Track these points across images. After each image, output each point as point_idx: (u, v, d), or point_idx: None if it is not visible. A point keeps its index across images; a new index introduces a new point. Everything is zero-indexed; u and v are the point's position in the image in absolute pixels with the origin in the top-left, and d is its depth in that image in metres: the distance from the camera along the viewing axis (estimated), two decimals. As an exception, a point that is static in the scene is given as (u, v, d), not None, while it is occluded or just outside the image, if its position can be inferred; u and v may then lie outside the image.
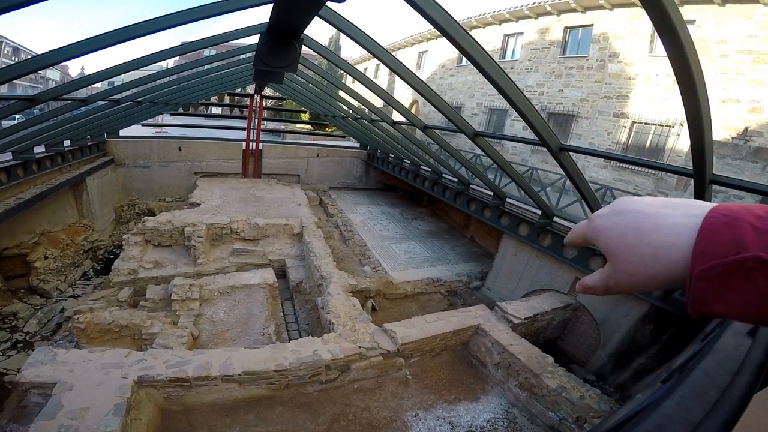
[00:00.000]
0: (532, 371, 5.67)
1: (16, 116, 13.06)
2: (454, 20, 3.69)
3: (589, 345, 7.62)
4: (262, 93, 15.46)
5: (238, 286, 8.15)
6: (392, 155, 14.92)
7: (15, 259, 9.19)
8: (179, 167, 14.80)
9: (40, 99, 6.01)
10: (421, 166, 12.96)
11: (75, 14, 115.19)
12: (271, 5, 3.68)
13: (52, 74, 40.87)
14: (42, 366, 4.56)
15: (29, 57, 5.57)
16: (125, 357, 4.91)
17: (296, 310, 8.65)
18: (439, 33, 3.83)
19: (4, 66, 4.85)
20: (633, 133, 12.69)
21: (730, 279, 0.43)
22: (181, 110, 17.29)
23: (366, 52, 5.43)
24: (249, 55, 7.88)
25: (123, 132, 14.35)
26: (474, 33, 17.34)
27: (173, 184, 14.83)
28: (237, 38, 5.86)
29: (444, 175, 11.76)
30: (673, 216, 0.51)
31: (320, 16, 4.47)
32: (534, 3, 15.24)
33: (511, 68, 16.62)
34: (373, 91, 7.32)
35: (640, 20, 12.06)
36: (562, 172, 5.93)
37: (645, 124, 12.27)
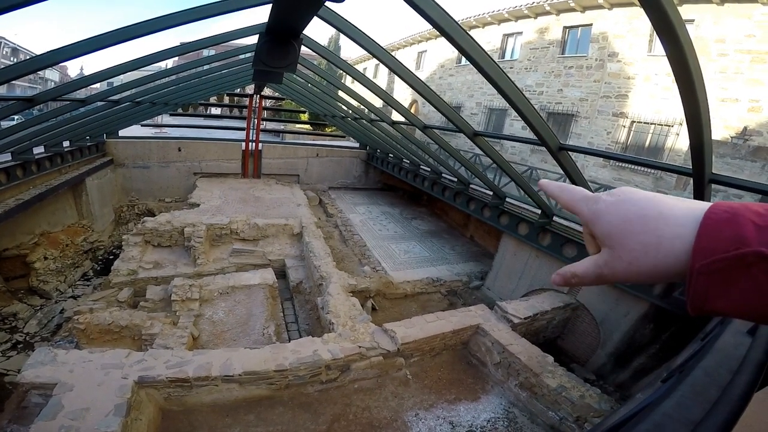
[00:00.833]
0: (532, 371, 5.68)
1: (15, 117, 13.05)
2: (453, 20, 3.69)
3: (589, 344, 7.63)
4: (262, 93, 15.45)
5: (237, 287, 8.15)
6: (392, 155, 14.92)
7: (15, 260, 9.18)
8: (179, 168, 14.79)
9: (39, 99, 6.01)
10: (421, 166, 12.97)
11: (73, 14, 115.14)
12: (270, 5, 3.68)
13: (51, 75, 40.81)
14: (42, 367, 4.56)
15: (28, 57, 5.56)
16: (125, 357, 4.91)
17: (296, 311, 8.65)
18: (438, 33, 3.84)
19: (3, 66, 4.84)
20: (632, 132, 12.69)
21: (731, 275, 0.43)
22: (180, 111, 17.29)
23: (365, 52, 5.43)
24: (248, 55, 7.88)
25: (122, 132, 14.33)
26: (473, 33, 17.32)
27: (173, 185, 14.82)
28: (236, 38, 5.85)
29: (443, 174, 11.76)
30: (676, 207, 0.51)
31: (319, 16, 4.46)
32: (533, 2, 15.24)
33: (511, 68, 16.62)
34: (372, 91, 7.32)
35: (639, 20, 12.06)
36: (562, 172, 5.93)
37: (644, 123, 12.28)
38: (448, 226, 14.61)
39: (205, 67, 9.02)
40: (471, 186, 10.52)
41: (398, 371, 5.96)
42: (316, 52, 6.24)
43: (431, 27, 3.72)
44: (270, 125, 22.87)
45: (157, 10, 6.81)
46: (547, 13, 15.14)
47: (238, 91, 18.14)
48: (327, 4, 3.67)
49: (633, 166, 12.30)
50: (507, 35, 17.45)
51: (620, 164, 12.68)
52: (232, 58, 8.34)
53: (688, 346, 3.63)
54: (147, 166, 14.34)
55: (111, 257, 11.15)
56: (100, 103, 8.80)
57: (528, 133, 6.13)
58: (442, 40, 4.29)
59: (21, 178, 8.98)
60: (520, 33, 16.67)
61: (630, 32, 12.57)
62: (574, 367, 7.31)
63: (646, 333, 6.73)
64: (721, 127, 10.07)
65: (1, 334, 7.88)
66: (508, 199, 9.29)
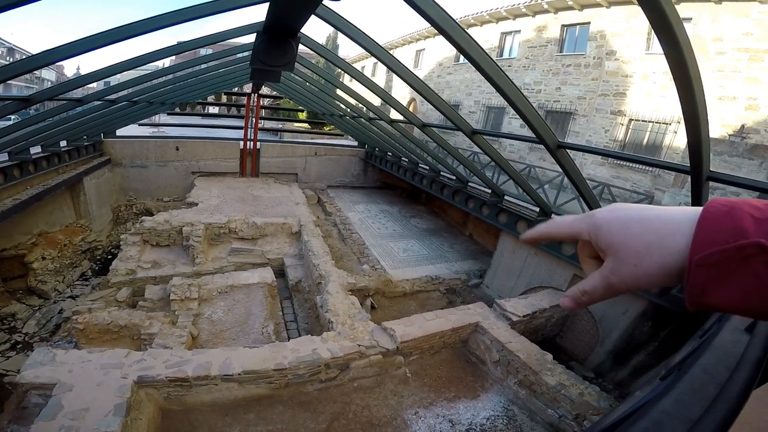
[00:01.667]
0: (532, 368, 5.69)
1: (12, 117, 13.00)
2: (452, 18, 3.68)
3: (587, 342, 7.65)
4: (259, 92, 15.42)
5: (236, 286, 8.14)
6: (390, 153, 14.92)
7: (13, 260, 9.15)
8: (177, 167, 14.76)
9: (36, 99, 5.98)
10: (419, 164, 12.96)
11: (67, 14, 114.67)
12: (268, 4, 3.66)
13: (48, 74, 40.62)
14: (41, 367, 4.55)
15: (24, 57, 5.53)
16: (125, 357, 4.90)
17: (295, 309, 8.65)
18: (436, 31, 3.83)
19: (-1, 66, 4.81)
20: (630, 130, 12.72)
21: (730, 267, 0.43)
22: (178, 110, 17.22)
23: (363, 50, 5.42)
24: (245, 54, 7.85)
25: (120, 132, 14.28)
26: (471, 31, 17.30)
27: (171, 184, 14.79)
28: (233, 37, 5.84)
29: (442, 173, 11.76)
30: (672, 209, 0.53)
31: (317, 15, 4.45)
32: (531, 1, 15.24)
33: (509, 66, 16.63)
34: (370, 90, 7.31)
35: (637, 18, 12.07)
36: (560, 170, 5.94)
37: (642, 121, 12.31)
38: (446, 224, 14.62)
39: (202, 66, 8.99)
40: (469, 184, 10.53)
41: (397, 369, 5.97)
42: (314, 51, 6.23)
43: (429, 25, 3.72)
44: (268, 124, 22.84)
45: (151, 11, 6.78)
46: (546, 11, 15.14)
47: (235, 90, 18.09)
48: (325, 2, 3.66)
49: (631, 164, 12.34)
50: (505, 33, 17.46)
51: (618, 162, 12.70)
52: (229, 57, 8.31)
53: (687, 344, 3.64)
54: (145, 165, 14.30)
55: (109, 257, 11.13)
56: (96, 103, 8.77)
57: (526, 132, 6.13)
58: (441, 38, 4.28)
59: (18, 178, 8.94)
60: (519, 31, 16.68)
61: (628, 30, 12.59)
62: (573, 365, 7.33)
63: (644, 331, 6.76)
64: (719, 125, 10.10)
65: (0, 334, 7.87)
66: (506, 197, 9.30)
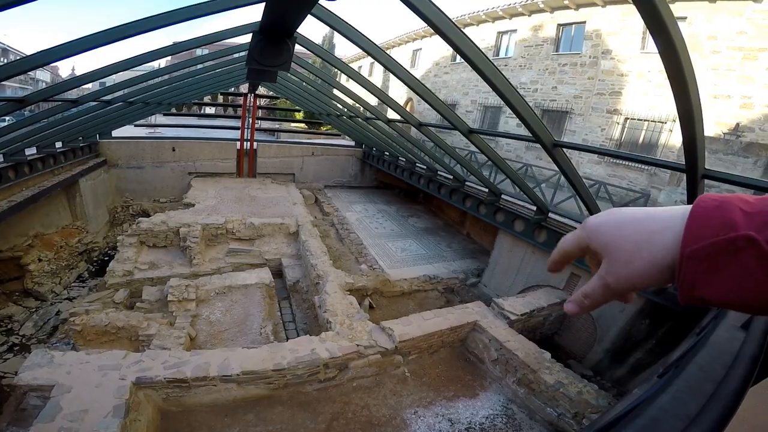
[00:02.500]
0: (530, 367, 5.71)
1: (6, 118, 12.91)
2: (448, 18, 3.69)
3: (585, 340, 7.69)
4: (256, 92, 15.38)
5: (234, 286, 8.12)
6: (387, 153, 14.92)
7: (8, 262, 9.09)
8: (173, 167, 14.70)
9: (31, 100, 5.95)
10: (417, 164, 12.98)
11: (61, 15, 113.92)
12: (264, 4, 3.66)
13: (43, 75, 40.34)
14: (39, 368, 4.53)
15: (18, 58, 5.50)
16: (123, 358, 4.88)
17: (293, 310, 8.64)
18: (433, 31, 3.84)
19: (-6, 67, 4.78)
20: (626, 129, 12.79)
21: (720, 260, 0.44)
22: (174, 110, 17.16)
23: (360, 50, 5.42)
24: (242, 54, 7.83)
25: (115, 133, 14.21)
26: (467, 30, 17.30)
27: (167, 185, 14.72)
28: (229, 37, 5.83)
29: (439, 172, 11.78)
30: (665, 209, 0.54)
31: (313, 15, 4.45)
32: (527, 0, 15.27)
33: (505, 65, 16.65)
34: (367, 89, 7.31)
35: (632, 17, 12.12)
36: (557, 169, 5.97)
37: (638, 120, 12.37)
38: (444, 223, 14.63)
39: (198, 67, 8.97)
40: (467, 183, 10.55)
41: (396, 369, 5.98)
42: (311, 51, 6.22)
43: (426, 25, 3.72)
44: (265, 124, 22.79)
45: (145, 11, 6.75)
46: (541, 10, 15.19)
47: (232, 90, 18.04)
48: (321, 2, 3.66)
49: (627, 163, 12.39)
50: (501, 33, 17.50)
51: (614, 161, 12.77)
52: (225, 57, 8.29)
53: (684, 341, 3.67)
54: (141, 166, 14.23)
55: (106, 258, 11.07)
56: (92, 104, 8.72)
57: (523, 131, 6.15)
58: (437, 38, 4.29)
59: (13, 180, 8.88)
60: (515, 31, 16.72)
61: (623, 29, 12.65)
62: (572, 364, 7.35)
63: (642, 329, 6.80)
64: (714, 124, 10.16)
65: (-4, 337, 7.82)
66: (503, 196, 9.33)
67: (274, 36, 4.13)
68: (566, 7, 14.23)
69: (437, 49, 21.02)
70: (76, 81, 6.47)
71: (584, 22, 13.88)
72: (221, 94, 24.75)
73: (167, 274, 8.51)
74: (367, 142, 15.90)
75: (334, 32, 5.20)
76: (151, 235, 9.43)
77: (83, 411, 4.01)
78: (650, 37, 2.72)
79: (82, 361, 4.74)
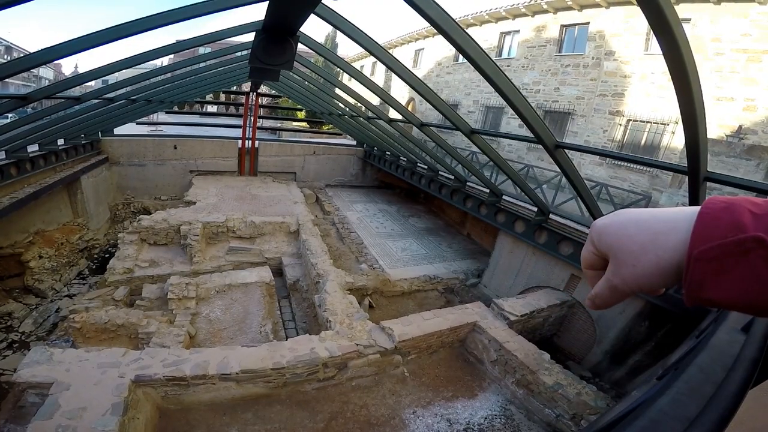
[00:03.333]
0: (529, 368, 5.70)
1: (9, 115, 12.92)
2: (451, 18, 3.68)
3: (585, 342, 7.67)
4: (258, 91, 15.40)
5: (234, 285, 8.13)
6: (389, 153, 14.91)
7: (9, 259, 9.11)
8: (174, 165, 14.72)
9: (33, 97, 5.96)
10: (418, 164, 12.97)
11: (62, 13, 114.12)
12: (267, 3, 3.66)
13: (45, 73, 40.39)
14: (38, 366, 4.53)
15: (22, 55, 5.51)
16: (122, 356, 4.89)
17: (293, 308, 8.64)
18: (435, 31, 3.83)
19: (-4, 64, 4.80)
20: (628, 130, 12.76)
21: (729, 261, 0.43)
22: (176, 108, 17.18)
23: (362, 49, 5.42)
24: (244, 52, 7.84)
25: (117, 130, 14.24)
26: (470, 31, 17.31)
27: (168, 183, 14.76)
28: (232, 36, 5.83)
29: (440, 172, 11.77)
30: (671, 210, 0.54)
31: (316, 14, 4.45)
32: (530, 1, 15.25)
33: (508, 66, 16.64)
34: (369, 89, 7.31)
35: (635, 18, 12.10)
36: (558, 170, 5.95)
37: (640, 121, 12.34)
38: (445, 223, 14.63)
39: (201, 65, 8.97)
40: (468, 184, 10.54)
41: (396, 369, 5.97)
42: (313, 50, 6.22)
43: (429, 25, 3.72)
44: (267, 123, 22.80)
45: (147, 10, 6.77)
46: (545, 11, 15.16)
47: (234, 88, 18.05)
48: (324, 1, 3.66)
49: (629, 165, 12.37)
50: (504, 33, 17.48)
51: (616, 162, 12.74)
52: (228, 56, 8.29)
53: (684, 344, 3.65)
54: (142, 164, 14.26)
55: (106, 256, 11.09)
56: (94, 101, 8.74)
57: (525, 131, 6.15)
58: (440, 38, 4.29)
59: (15, 177, 8.91)
60: (518, 31, 16.69)
61: (627, 31, 12.62)
62: (571, 365, 7.35)
63: (641, 330, 6.78)
64: (717, 126, 10.14)
65: (-3, 333, 7.84)
66: (504, 197, 9.31)
67: (277, 35, 4.13)
68: (570, 8, 14.20)
69: (440, 49, 21.02)
70: (79, 78, 6.49)
71: (588, 23, 13.85)
72: (223, 92, 24.82)
73: (167, 271, 8.52)
74: (368, 141, 15.90)
75: (337, 31, 5.19)
76: (152, 232, 9.44)
77: (82, 408, 4.01)
78: (654, 38, 2.71)
79: (82, 359, 4.74)
